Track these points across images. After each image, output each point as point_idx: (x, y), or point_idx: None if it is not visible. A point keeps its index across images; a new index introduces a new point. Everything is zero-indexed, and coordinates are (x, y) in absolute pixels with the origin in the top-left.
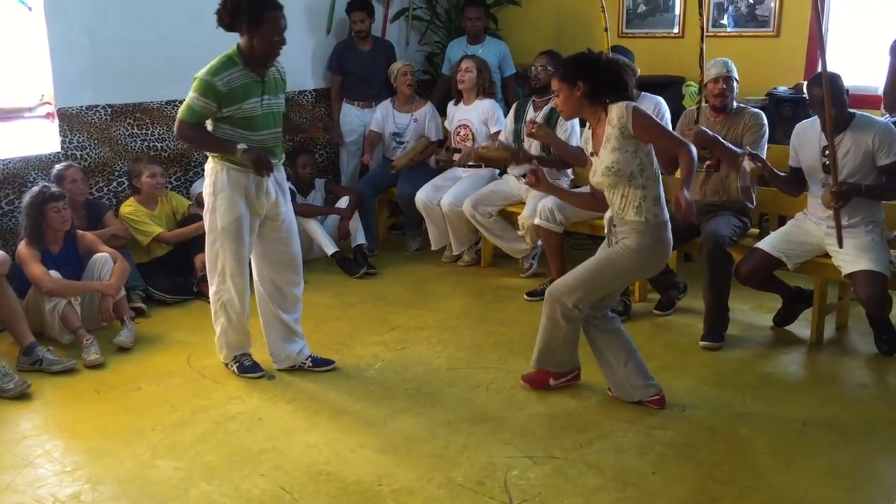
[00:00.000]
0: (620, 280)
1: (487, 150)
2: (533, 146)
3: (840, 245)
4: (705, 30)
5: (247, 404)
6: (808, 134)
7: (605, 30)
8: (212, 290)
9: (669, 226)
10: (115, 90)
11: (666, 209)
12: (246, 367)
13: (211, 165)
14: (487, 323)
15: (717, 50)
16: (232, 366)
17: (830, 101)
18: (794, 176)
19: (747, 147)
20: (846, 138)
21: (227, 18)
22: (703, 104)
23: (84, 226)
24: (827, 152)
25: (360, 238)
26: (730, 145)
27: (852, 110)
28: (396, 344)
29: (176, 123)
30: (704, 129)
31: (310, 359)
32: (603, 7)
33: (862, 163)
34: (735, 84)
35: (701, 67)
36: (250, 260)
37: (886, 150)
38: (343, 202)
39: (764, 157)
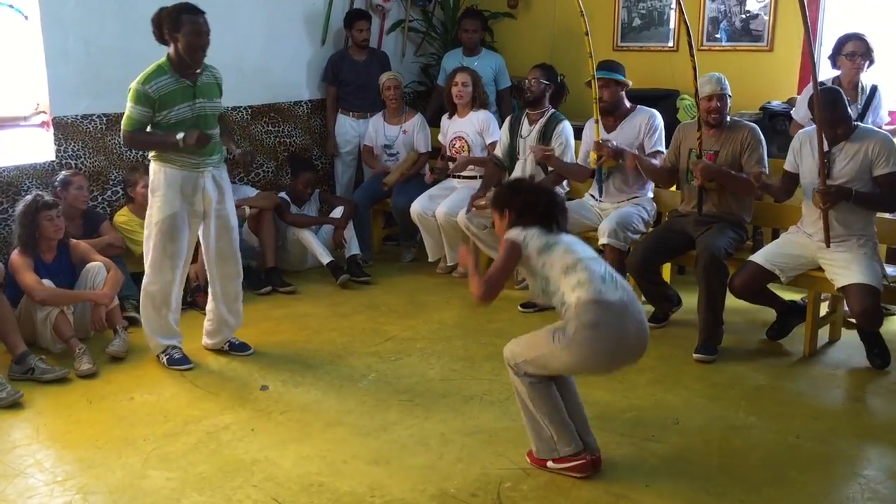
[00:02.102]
0: (559, 361)
1: (485, 206)
2: (528, 161)
3: (827, 245)
4: (695, 45)
5: (239, 415)
6: (811, 140)
7: (586, 34)
8: (144, 282)
9: (610, 308)
10: (110, 99)
11: (595, 289)
12: (176, 360)
13: (152, 166)
14: (481, 334)
15: (710, 64)
16: (162, 358)
17: (837, 120)
18: (786, 180)
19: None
20: (847, 147)
21: (157, 32)
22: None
23: (80, 234)
24: (825, 160)
25: (354, 248)
26: (735, 173)
27: (855, 122)
28: (390, 355)
29: (121, 135)
30: (710, 163)
31: (227, 343)
32: (582, 12)
33: (860, 171)
34: (728, 99)
35: (695, 83)
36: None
37: (885, 161)
38: (337, 212)
39: (766, 170)
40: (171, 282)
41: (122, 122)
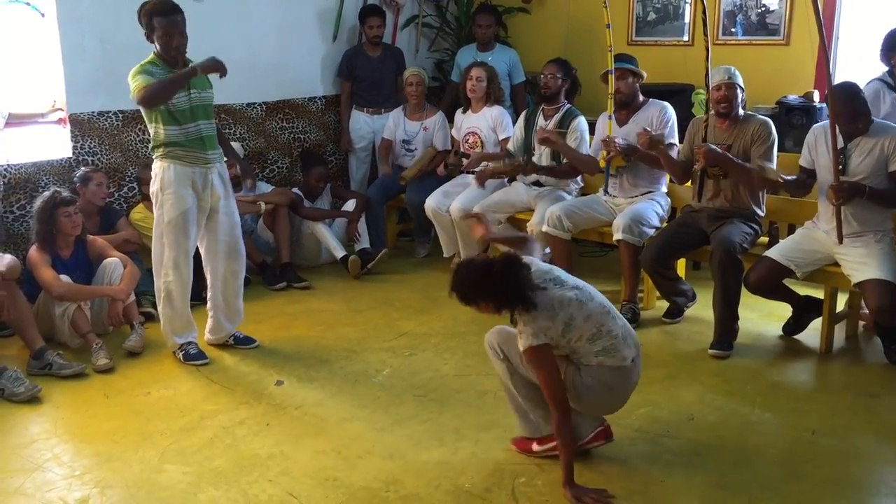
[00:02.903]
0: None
1: (497, 168)
2: (544, 155)
3: (840, 241)
4: (711, 38)
5: (255, 410)
6: (826, 135)
7: (608, 26)
8: (157, 282)
9: (627, 371)
10: (126, 96)
11: (620, 357)
12: (192, 356)
13: (157, 165)
14: None
15: (726, 58)
16: (178, 354)
17: (857, 113)
18: (802, 176)
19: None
20: (863, 142)
21: (144, 32)
22: (711, 113)
23: (97, 231)
24: (841, 156)
25: (364, 242)
26: (739, 161)
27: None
28: (404, 350)
29: (137, 96)
30: (714, 147)
31: (232, 337)
32: (605, 2)
33: (876, 166)
34: (739, 91)
35: (706, 76)
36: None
37: None
38: (350, 205)
39: (774, 165)
40: (188, 277)
41: (135, 88)
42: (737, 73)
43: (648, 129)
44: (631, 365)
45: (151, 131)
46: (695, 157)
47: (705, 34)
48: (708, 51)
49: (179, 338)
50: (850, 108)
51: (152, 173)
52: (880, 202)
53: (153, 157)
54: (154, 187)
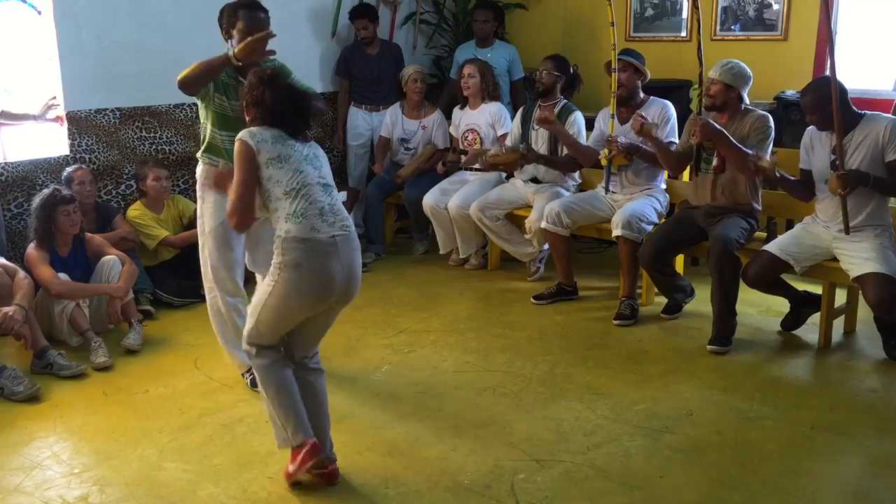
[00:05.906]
0: (276, 311)
1: (496, 156)
2: (540, 151)
3: (847, 232)
4: (708, 34)
5: (254, 407)
6: (819, 135)
7: (612, 24)
8: (206, 295)
9: (315, 248)
10: (123, 94)
11: (306, 225)
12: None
13: (200, 167)
14: (494, 326)
15: (724, 54)
16: (246, 377)
17: (813, 106)
18: (804, 179)
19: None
20: (856, 135)
21: (223, 29)
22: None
23: (93, 228)
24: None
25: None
26: (735, 142)
27: (862, 110)
28: (403, 347)
29: (178, 80)
30: (711, 121)
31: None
32: (610, 0)
33: (872, 158)
34: (732, 89)
35: (700, 73)
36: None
37: (894, 145)
38: (341, 196)
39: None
40: (234, 290)
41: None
42: (732, 69)
43: (643, 115)
44: (327, 239)
45: (201, 130)
46: (691, 130)
47: (699, 28)
48: (700, 45)
49: (245, 356)
50: (805, 101)
51: (198, 175)
52: (884, 191)
53: (198, 157)
54: (198, 193)
